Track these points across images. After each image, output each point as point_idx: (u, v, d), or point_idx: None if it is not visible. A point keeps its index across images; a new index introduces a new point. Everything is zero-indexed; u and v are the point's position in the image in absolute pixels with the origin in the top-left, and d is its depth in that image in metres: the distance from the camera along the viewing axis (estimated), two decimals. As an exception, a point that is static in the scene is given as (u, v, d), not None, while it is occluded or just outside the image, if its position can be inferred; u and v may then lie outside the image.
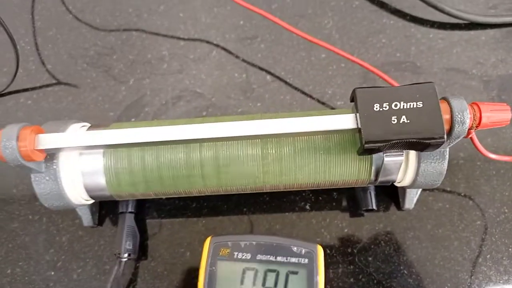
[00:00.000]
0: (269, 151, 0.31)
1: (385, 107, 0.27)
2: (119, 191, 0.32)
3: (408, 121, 0.27)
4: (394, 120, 0.27)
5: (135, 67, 0.45)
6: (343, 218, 0.38)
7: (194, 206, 0.39)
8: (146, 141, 0.28)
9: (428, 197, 0.39)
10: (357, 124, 0.28)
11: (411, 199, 0.36)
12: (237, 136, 0.29)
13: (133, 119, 0.43)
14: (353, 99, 0.29)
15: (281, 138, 0.31)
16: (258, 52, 0.45)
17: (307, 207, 0.39)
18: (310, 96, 0.43)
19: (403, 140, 0.27)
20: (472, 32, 0.45)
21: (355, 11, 0.46)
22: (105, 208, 0.39)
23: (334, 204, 0.39)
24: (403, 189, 0.36)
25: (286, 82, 0.44)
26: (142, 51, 0.46)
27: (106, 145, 0.29)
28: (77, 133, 0.29)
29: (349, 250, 0.37)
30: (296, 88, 0.43)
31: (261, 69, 0.44)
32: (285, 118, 0.29)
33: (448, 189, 0.39)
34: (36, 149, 0.28)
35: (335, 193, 0.39)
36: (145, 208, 0.39)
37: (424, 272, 0.37)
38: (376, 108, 0.27)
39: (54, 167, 0.30)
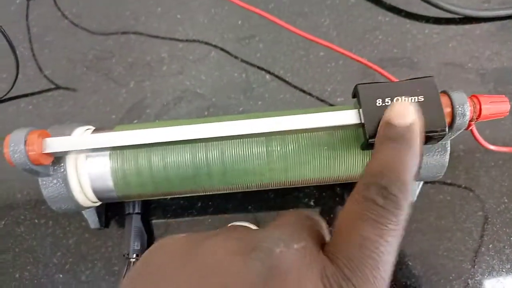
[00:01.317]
0: (274, 149, 0.31)
1: (387, 102, 0.28)
2: (127, 192, 0.32)
3: (411, 115, 0.27)
4: (396, 114, 0.27)
5: (135, 70, 0.45)
6: (346, 213, 0.39)
7: (199, 205, 0.39)
8: (152, 142, 0.29)
9: (430, 190, 0.39)
10: (360, 119, 0.28)
11: (414, 191, 0.37)
12: (242, 135, 0.29)
13: (135, 121, 0.43)
14: (355, 95, 0.29)
15: (285, 136, 0.31)
16: (257, 51, 0.45)
17: (311, 203, 0.39)
18: (310, 94, 0.43)
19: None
20: (466, 27, 0.46)
21: (351, 9, 0.47)
22: (111, 210, 0.39)
23: (337, 199, 0.39)
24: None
25: (285, 81, 0.44)
26: (141, 53, 0.46)
27: (113, 147, 0.29)
28: (84, 136, 0.29)
29: (354, 244, 0.38)
30: (295, 86, 0.44)
31: (260, 68, 0.45)
32: (289, 116, 0.29)
33: (449, 181, 0.40)
34: (44, 153, 0.28)
35: (338, 189, 0.40)
36: (150, 209, 0.39)
37: (429, 263, 0.37)
38: (378, 103, 0.28)
39: (62, 170, 0.30)
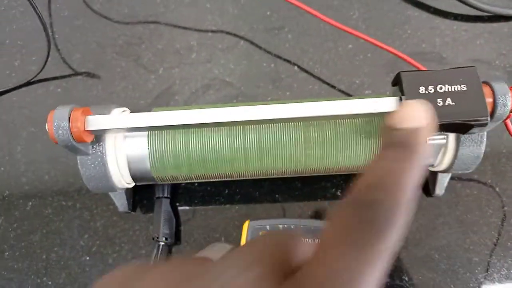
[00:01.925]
0: (311, 135, 0.31)
1: (431, 90, 0.28)
2: (163, 174, 0.32)
3: (454, 103, 0.28)
4: (439, 103, 0.28)
5: (164, 57, 0.45)
6: (374, 204, 0.39)
7: (226, 193, 0.40)
8: (193, 123, 0.29)
9: (457, 184, 0.39)
10: (402, 106, 0.28)
11: (442, 184, 0.37)
12: (281, 119, 0.29)
13: (163, 107, 0.43)
14: (396, 83, 0.29)
15: (323, 122, 0.32)
16: (286, 42, 0.45)
17: (338, 193, 0.39)
18: (338, 86, 0.44)
19: (449, 122, 0.28)
20: (494, 24, 0.46)
21: (380, 3, 0.47)
22: (139, 194, 0.39)
23: (364, 190, 0.39)
24: (434, 174, 0.37)
25: (314, 72, 0.44)
26: (171, 41, 0.46)
27: (153, 127, 0.29)
28: (126, 115, 0.29)
29: (381, 235, 0.38)
30: (324, 78, 0.44)
31: (289, 59, 0.45)
32: (329, 101, 0.29)
33: (476, 176, 0.40)
34: (86, 130, 0.29)
35: (366, 180, 0.40)
36: (178, 194, 0.40)
37: (455, 257, 0.37)
38: (422, 91, 0.28)
39: (101, 149, 0.30)
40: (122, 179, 0.32)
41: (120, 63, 0.45)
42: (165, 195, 0.37)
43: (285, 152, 0.32)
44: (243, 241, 0.34)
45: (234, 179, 0.34)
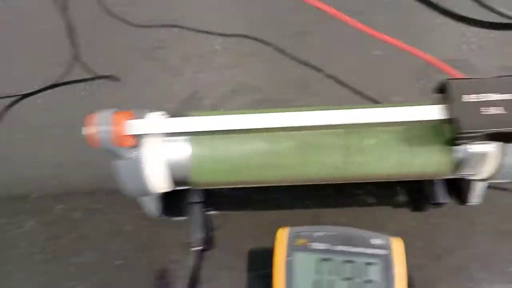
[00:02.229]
0: (352, 142, 0.31)
1: (478, 98, 0.28)
2: (201, 179, 0.32)
3: (501, 112, 0.27)
4: (487, 111, 0.27)
5: (190, 61, 0.45)
6: (407, 212, 0.38)
7: (257, 199, 0.39)
8: (238, 129, 0.28)
9: (494, 193, 0.39)
10: (449, 114, 0.28)
11: (480, 193, 0.36)
12: (323, 125, 0.29)
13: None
14: (441, 90, 0.29)
15: (363, 129, 0.31)
16: (313, 47, 0.45)
17: (371, 200, 0.39)
18: (366, 92, 0.43)
19: (496, 131, 0.27)
20: (522, 32, 0.46)
21: (407, 10, 0.47)
22: (169, 198, 0.39)
23: (397, 198, 0.39)
24: (471, 183, 0.36)
25: (341, 78, 0.44)
26: (196, 45, 0.46)
27: (193, 132, 0.29)
28: (169, 120, 0.29)
29: (416, 243, 0.37)
30: (351, 84, 0.44)
31: (316, 64, 0.45)
32: (370, 108, 0.29)
33: (511, 185, 0.39)
34: (128, 135, 0.28)
35: (398, 187, 0.39)
36: (209, 199, 0.39)
37: (491, 266, 0.37)
38: (469, 99, 0.28)
39: (139, 153, 0.30)
40: (159, 184, 0.32)
41: (144, 66, 0.45)
42: (199, 200, 0.37)
43: (326, 159, 0.31)
44: (278, 248, 0.33)
45: (272, 185, 0.34)
